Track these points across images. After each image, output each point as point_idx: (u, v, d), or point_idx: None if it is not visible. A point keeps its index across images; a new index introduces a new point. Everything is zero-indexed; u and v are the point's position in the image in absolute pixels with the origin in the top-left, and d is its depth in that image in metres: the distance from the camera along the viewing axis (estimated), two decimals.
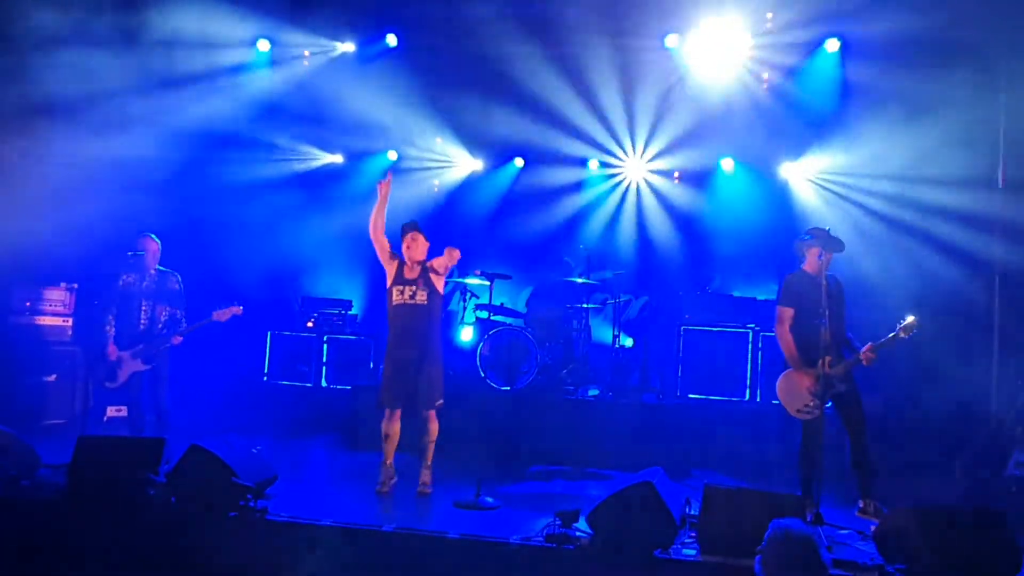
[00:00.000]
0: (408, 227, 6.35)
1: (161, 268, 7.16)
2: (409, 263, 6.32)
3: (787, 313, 5.86)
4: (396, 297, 6.29)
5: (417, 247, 6.30)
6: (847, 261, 6.53)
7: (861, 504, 5.67)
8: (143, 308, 6.98)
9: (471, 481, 5.95)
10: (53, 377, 8.23)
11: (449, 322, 8.88)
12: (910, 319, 5.47)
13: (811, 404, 5.64)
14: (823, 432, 5.61)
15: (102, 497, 5.27)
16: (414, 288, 6.25)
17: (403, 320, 6.26)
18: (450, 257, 6.27)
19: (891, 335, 5.51)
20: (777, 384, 5.87)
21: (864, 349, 5.61)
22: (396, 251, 6.41)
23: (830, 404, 5.74)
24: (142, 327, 6.98)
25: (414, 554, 4.92)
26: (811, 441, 5.67)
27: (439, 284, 6.36)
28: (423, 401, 6.21)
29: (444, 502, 5.96)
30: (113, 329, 6.96)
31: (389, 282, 6.36)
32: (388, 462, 6.26)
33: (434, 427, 6.26)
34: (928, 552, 4.36)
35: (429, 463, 6.26)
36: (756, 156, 9.64)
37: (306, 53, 9.66)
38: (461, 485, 6.15)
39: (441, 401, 6.29)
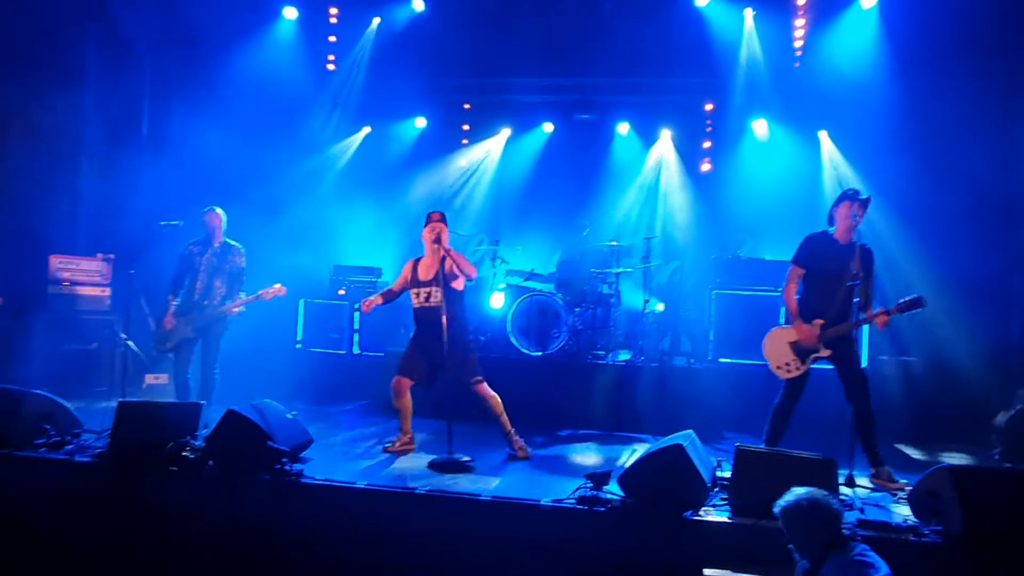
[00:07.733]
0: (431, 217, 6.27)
1: (229, 241, 7.20)
2: (427, 257, 6.25)
3: (797, 272, 5.78)
4: (414, 300, 6.29)
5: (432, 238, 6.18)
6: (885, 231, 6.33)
7: (873, 471, 5.61)
8: (199, 280, 7.04)
9: (502, 445, 5.99)
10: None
11: (479, 288, 8.89)
12: (916, 297, 5.31)
13: (790, 362, 5.63)
14: (801, 394, 5.66)
15: (142, 460, 5.41)
16: (428, 290, 6.18)
17: (422, 320, 6.25)
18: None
19: (896, 305, 5.38)
20: (763, 340, 5.82)
21: (878, 312, 5.45)
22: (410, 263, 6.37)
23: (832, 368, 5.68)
24: (196, 297, 7.02)
25: (446, 516, 4.99)
26: (788, 399, 5.70)
27: (459, 269, 6.14)
28: (461, 376, 6.16)
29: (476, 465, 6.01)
30: (175, 299, 7.05)
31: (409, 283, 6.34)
32: (405, 427, 6.30)
33: (493, 399, 6.21)
34: (964, 514, 4.31)
35: (510, 429, 6.26)
36: (790, 117, 9.46)
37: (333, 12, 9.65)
38: (491, 450, 6.22)
39: (479, 378, 6.22)
